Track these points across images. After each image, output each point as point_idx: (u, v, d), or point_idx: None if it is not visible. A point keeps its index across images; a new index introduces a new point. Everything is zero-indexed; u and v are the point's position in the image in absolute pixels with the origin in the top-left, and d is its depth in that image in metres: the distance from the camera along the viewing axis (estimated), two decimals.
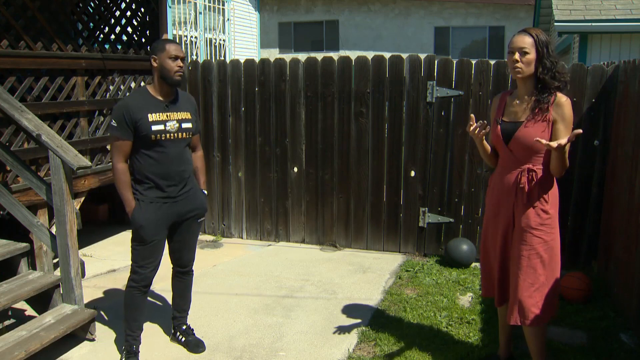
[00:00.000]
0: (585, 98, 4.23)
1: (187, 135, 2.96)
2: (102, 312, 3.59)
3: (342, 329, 3.45)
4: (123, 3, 5.24)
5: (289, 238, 5.24)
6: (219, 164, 5.33)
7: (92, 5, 5.29)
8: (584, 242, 4.40)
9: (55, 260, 3.38)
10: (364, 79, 4.73)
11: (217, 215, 5.45)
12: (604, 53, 8.11)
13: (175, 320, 3.27)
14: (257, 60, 5.08)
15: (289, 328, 3.47)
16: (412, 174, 4.75)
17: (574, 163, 4.25)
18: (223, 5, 11.66)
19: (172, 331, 3.29)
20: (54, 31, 4.20)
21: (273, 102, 5.04)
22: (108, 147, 4.65)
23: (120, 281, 4.04)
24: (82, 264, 3.42)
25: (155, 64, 2.82)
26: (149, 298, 3.84)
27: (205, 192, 3.18)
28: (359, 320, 3.56)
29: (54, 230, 3.26)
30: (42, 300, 3.27)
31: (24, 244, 3.37)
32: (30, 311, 3.49)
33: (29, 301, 3.29)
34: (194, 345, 3.18)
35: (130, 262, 2.95)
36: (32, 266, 3.45)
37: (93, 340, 3.27)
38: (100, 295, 3.96)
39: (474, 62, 4.49)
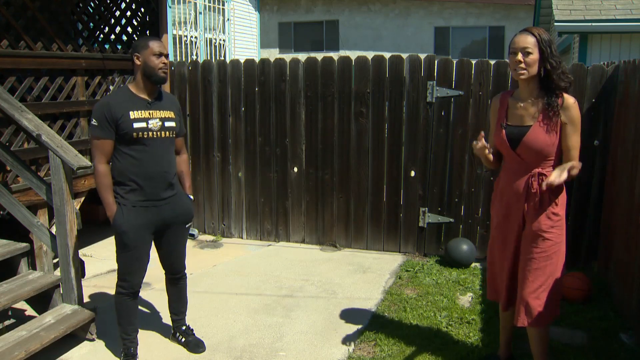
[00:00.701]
0: (585, 98, 4.23)
1: (170, 134, 2.89)
2: (102, 312, 3.59)
3: (342, 329, 3.44)
4: (123, 3, 5.23)
5: (289, 238, 5.23)
6: (219, 164, 5.33)
7: (92, 5, 5.28)
8: (584, 242, 4.40)
9: (55, 260, 3.38)
10: (364, 79, 4.73)
11: (217, 215, 5.45)
12: (604, 53, 8.11)
13: (174, 321, 3.27)
14: (257, 60, 5.07)
15: (289, 328, 3.47)
16: (412, 174, 4.75)
17: None
18: (223, 5, 11.65)
19: (172, 331, 3.29)
20: (54, 31, 4.20)
21: (273, 102, 5.04)
22: None
23: None
24: (82, 264, 3.42)
25: (138, 62, 2.77)
26: (148, 298, 3.85)
27: (192, 197, 3.11)
28: (358, 320, 3.56)
29: (54, 230, 3.26)
30: (42, 300, 3.28)
31: (24, 244, 3.37)
32: (30, 311, 3.49)
33: (29, 301, 3.29)
34: (194, 345, 3.18)
35: None
36: (32, 266, 3.45)
37: (93, 340, 3.27)
38: (100, 295, 3.97)
39: (474, 62, 4.49)
